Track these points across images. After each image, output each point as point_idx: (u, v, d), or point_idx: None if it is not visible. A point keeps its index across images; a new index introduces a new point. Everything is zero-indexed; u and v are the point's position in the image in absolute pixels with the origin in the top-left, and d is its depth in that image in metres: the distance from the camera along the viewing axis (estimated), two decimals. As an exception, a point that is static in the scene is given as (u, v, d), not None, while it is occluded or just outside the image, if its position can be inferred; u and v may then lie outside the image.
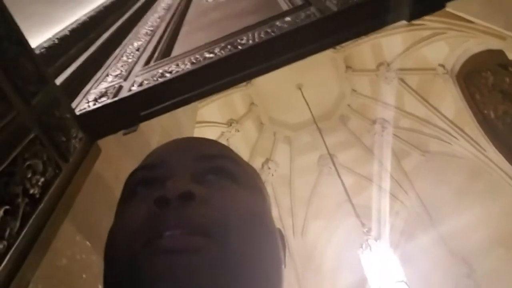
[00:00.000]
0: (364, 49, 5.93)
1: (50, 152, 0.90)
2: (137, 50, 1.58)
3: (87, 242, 1.30)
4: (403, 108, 6.23)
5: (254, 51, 1.13)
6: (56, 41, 1.51)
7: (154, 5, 2.38)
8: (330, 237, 7.06)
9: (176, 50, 1.47)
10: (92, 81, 1.36)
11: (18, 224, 0.76)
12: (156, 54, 1.46)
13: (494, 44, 3.92)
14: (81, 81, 1.36)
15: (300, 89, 6.21)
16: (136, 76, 1.27)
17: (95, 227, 1.32)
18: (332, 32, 1.12)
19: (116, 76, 1.34)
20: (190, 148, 0.51)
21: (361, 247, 4.34)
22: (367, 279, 4.24)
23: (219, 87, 1.12)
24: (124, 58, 1.52)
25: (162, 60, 1.35)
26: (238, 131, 6.23)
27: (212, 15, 1.85)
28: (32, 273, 0.79)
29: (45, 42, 1.50)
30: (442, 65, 5.17)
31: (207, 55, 1.18)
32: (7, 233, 0.73)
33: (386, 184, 6.50)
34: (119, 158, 1.64)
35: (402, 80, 5.93)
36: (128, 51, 1.60)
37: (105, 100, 1.14)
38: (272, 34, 1.15)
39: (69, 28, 1.67)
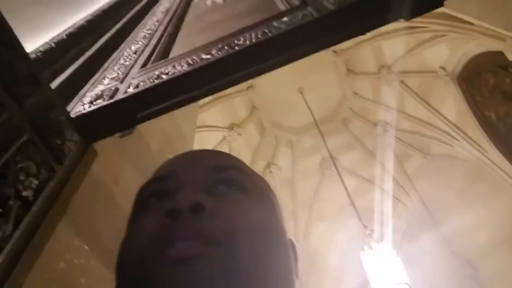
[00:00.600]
0: (365, 52, 5.93)
1: (44, 154, 0.89)
2: (135, 53, 1.57)
3: (86, 246, 1.28)
4: (404, 111, 6.22)
5: (251, 51, 1.12)
6: (53, 45, 1.51)
7: (153, 9, 2.38)
8: (332, 239, 7.03)
9: (174, 52, 1.47)
10: (89, 84, 1.35)
11: (10, 227, 0.75)
12: (153, 57, 1.45)
13: (494, 45, 3.92)
14: (78, 85, 1.35)
15: (301, 92, 6.21)
16: (133, 78, 1.26)
17: (94, 232, 1.31)
18: (329, 32, 1.11)
19: (112, 78, 1.33)
20: (200, 160, 0.52)
21: (364, 249, 4.32)
22: (370, 281, 4.21)
23: (217, 87, 1.12)
24: (122, 61, 1.51)
25: (159, 62, 1.34)
26: (240, 135, 6.22)
27: (210, 18, 1.84)
28: (24, 276, 0.77)
29: (41, 46, 1.50)
30: (443, 67, 5.16)
31: (204, 56, 1.17)
32: (-2, 236, 0.72)
33: (388, 186, 6.47)
34: (119, 162, 1.63)
35: (403, 82, 5.92)
36: (126, 54, 1.59)
37: (100, 102, 1.13)
38: (269, 34, 1.14)
39: (66, 32, 1.67)
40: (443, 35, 4.60)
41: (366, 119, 6.81)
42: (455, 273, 5.98)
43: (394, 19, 1.14)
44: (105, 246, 1.29)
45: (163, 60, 1.33)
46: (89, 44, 1.70)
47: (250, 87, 6.08)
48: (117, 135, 1.22)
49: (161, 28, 1.84)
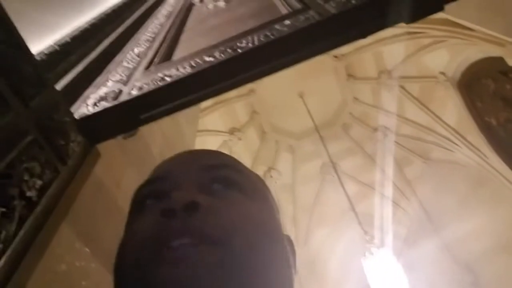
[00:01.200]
0: (366, 57, 5.95)
1: (48, 155, 0.90)
2: (138, 56, 1.58)
3: (87, 249, 1.28)
4: (404, 116, 6.23)
5: (254, 54, 1.13)
6: (57, 48, 1.52)
7: (155, 13, 2.40)
8: (333, 245, 7.01)
9: (177, 55, 1.48)
10: (92, 86, 1.36)
11: (14, 226, 0.75)
12: (156, 59, 1.46)
13: (494, 51, 3.93)
14: (81, 87, 1.36)
15: (302, 97, 6.22)
16: (136, 80, 1.27)
17: (95, 234, 1.31)
18: (331, 35, 1.12)
19: (116, 81, 1.34)
20: (195, 159, 0.53)
21: (364, 255, 4.31)
22: (371, 287, 4.19)
23: (219, 90, 1.12)
24: (125, 63, 1.52)
25: (162, 65, 1.35)
26: (240, 139, 6.23)
27: (212, 21, 1.86)
28: (27, 276, 0.77)
29: (46, 48, 1.51)
30: (443, 73, 5.18)
31: (207, 58, 1.18)
32: (2, 235, 0.72)
33: (389, 191, 6.47)
34: (120, 165, 1.63)
35: (403, 87, 5.93)
36: (129, 57, 1.60)
37: (104, 104, 1.14)
38: (272, 37, 1.15)
39: (70, 35, 1.68)
40: (443, 41, 4.62)
41: (366, 124, 6.82)
42: (455, 279, 5.95)
43: (395, 22, 1.15)
44: (106, 248, 1.29)
45: (166, 63, 1.34)
46: (92, 47, 1.71)
47: (251, 91, 6.10)
48: (120, 137, 1.23)
49: (164, 31, 1.85)
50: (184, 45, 1.62)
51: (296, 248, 0.55)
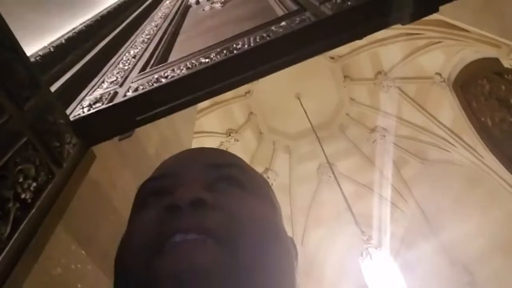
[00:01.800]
0: (362, 58, 5.97)
1: (42, 157, 0.89)
2: (134, 57, 1.58)
3: (83, 251, 1.27)
4: (401, 117, 6.25)
5: (249, 55, 1.13)
6: (52, 49, 1.51)
7: (151, 15, 2.39)
8: (330, 245, 7.02)
9: (173, 57, 1.47)
10: (88, 88, 1.36)
11: (8, 229, 0.74)
12: (152, 61, 1.46)
13: (489, 52, 3.96)
14: (77, 89, 1.35)
15: (298, 98, 6.23)
16: (132, 82, 1.27)
17: (91, 236, 1.31)
18: (327, 36, 1.12)
19: (111, 82, 1.33)
20: (200, 157, 0.53)
21: (362, 255, 4.31)
22: (368, 287, 4.20)
23: (215, 91, 1.12)
24: (120, 65, 1.52)
25: (158, 66, 1.34)
26: (237, 140, 6.23)
27: (209, 23, 1.85)
28: (23, 278, 0.77)
29: (40, 50, 1.50)
30: (439, 74, 5.20)
31: (203, 60, 1.18)
32: (-3, 238, 0.71)
33: (386, 192, 6.49)
34: (116, 166, 1.63)
35: (399, 88, 5.96)
36: (125, 58, 1.60)
37: (100, 106, 1.14)
38: (268, 38, 1.14)
39: (65, 37, 1.67)
40: (439, 42, 4.64)
41: (363, 125, 6.84)
42: (452, 280, 5.97)
43: (391, 24, 1.16)
44: (101, 250, 1.28)
45: (162, 64, 1.34)
46: (87, 49, 1.70)
47: (248, 93, 6.10)
48: (116, 138, 1.23)
49: (160, 33, 1.85)
50: (180, 47, 1.62)
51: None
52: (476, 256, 5.73)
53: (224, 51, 1.17)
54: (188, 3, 2.45)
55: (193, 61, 1.20)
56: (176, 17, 2.15)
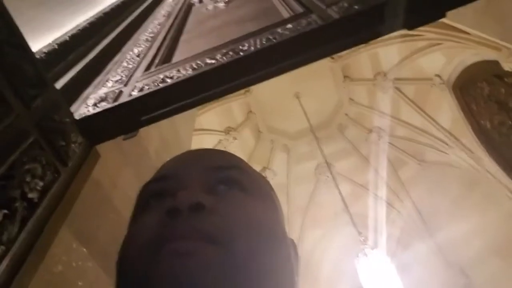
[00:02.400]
0: (362, 58, 5.97)
1: (49, 156, 0.89)
2: (138, 56, 1.58)
3: (84, 249, 1.28)
4: (400, 118, 6.26)
5: (256, 57, 1.13)
6: (56, 46, 1.51)
7: (154, 12, 2.38)
8: (327, 245, 7.03)
9: (177, 57, 1.47)
10: (92, 86, 1.35)
11: (16, 228, 0.74)
12: (156, 60, 1.45)
13: (489, 55, 3.96)
14: (80, 86, 1.35)
15: (298, 98, 6.23)
16: (137, 81, 1.27)
17: (92, 234, 1.31)
18: (333, 39, 1.12)
19: (116, 81, 1.33)
20: (201, 159, 0.53)
21: (358, 256, 4.32)
22: (364, 288, 4.21)
23: (221, 92, 1.12)
24: (124, 63, 1.52)
25: (163, 66, 1.34)
26: (236, 139, 6.23)
27: (212, 23, 1.85)
28: (30, 277, 0.77)
29: (44, 47, 1.49)
30: (438, 75, 5.21)
31: (209, 61, 1.18)
32: (4, 237, 0.72)
33: (383, 193, 6.50)
34: (117, 165, 1.62)
35: (399, 89, 5.96)
36: (128, 57, 1.59)
37: (105, 105, 1.14)
38: (274, 40, 1.15)
39: (69, 34, 1.67)
40: (439, 43, 4.65)
41: (361, 126, 6.85)
42: (449, 282, 6.00)
43: (397, 29, 1.16)
44: (102, 248, 1.29)
45: (167, 64, 1.34)
46: (91, 46, 1.70)
47: (247, 91, 6.09)
48: (119, 137, 1.22)
49: (163, 31, 1.85)
50: (184, 46, 1.62)
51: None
52: (473, 258, 5.75)
53: (230, 53, 1.17)
54: (191, 1, 2.44)
55: (198, 62, 1.20)
56: (179, 15, 2.15)
